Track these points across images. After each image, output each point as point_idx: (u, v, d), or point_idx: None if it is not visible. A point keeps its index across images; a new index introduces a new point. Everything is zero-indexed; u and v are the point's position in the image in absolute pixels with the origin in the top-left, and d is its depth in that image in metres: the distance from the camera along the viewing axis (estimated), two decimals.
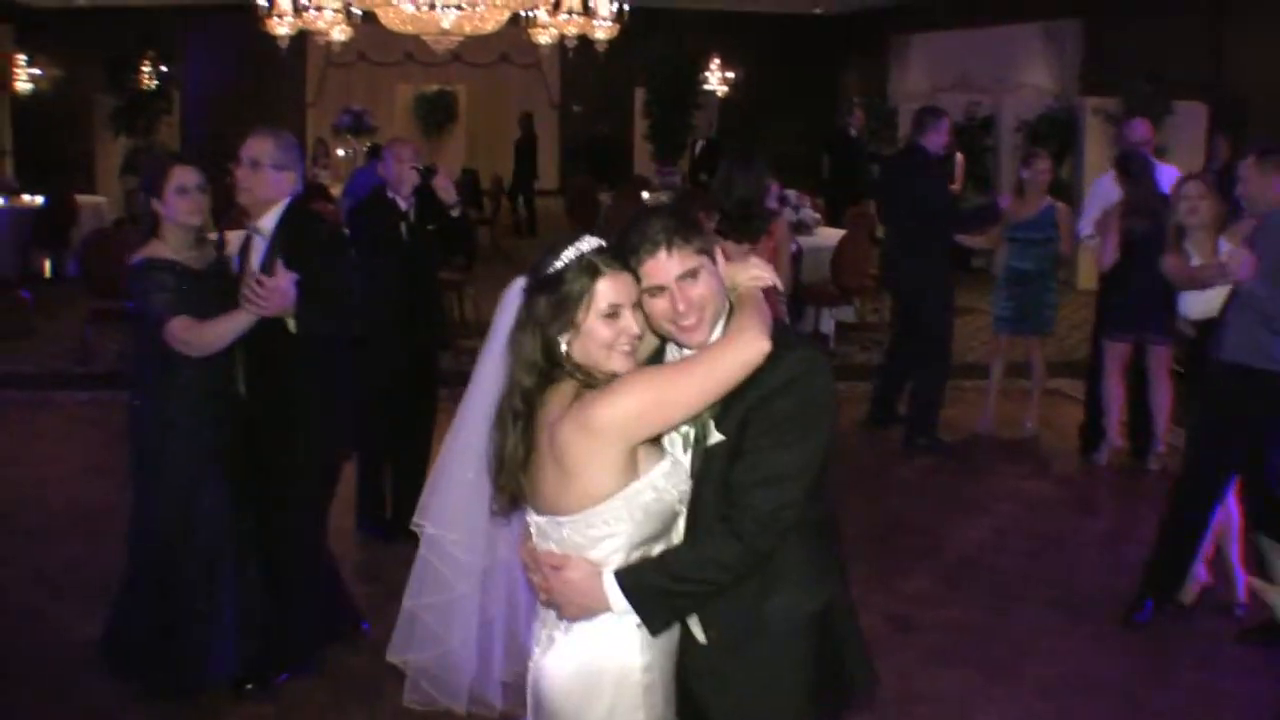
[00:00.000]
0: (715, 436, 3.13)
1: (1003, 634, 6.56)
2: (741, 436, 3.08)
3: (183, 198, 5.36)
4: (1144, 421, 9.30)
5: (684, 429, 3.19)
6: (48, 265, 16.73)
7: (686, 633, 3.28)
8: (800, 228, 12.96)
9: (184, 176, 5.37)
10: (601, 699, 3.15)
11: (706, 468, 3.15)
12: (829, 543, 3.39)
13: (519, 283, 3.26)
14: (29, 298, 13.76)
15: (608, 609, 3.07)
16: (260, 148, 5.49)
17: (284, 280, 5.21)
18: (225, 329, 5.32)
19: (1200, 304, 7.01)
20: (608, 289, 3.07)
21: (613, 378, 3.09)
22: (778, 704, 3.28)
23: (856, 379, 11.31)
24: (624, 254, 3.12)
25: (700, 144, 20.97)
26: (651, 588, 3.08)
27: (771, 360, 3.05)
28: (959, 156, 16.13)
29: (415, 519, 3.69)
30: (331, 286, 5.39)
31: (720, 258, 3.23)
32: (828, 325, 13.24)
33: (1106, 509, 8.86)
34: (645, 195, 17.24)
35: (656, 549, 3.15)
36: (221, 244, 5.72)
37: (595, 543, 3.10)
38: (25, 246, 16.05)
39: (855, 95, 22.75)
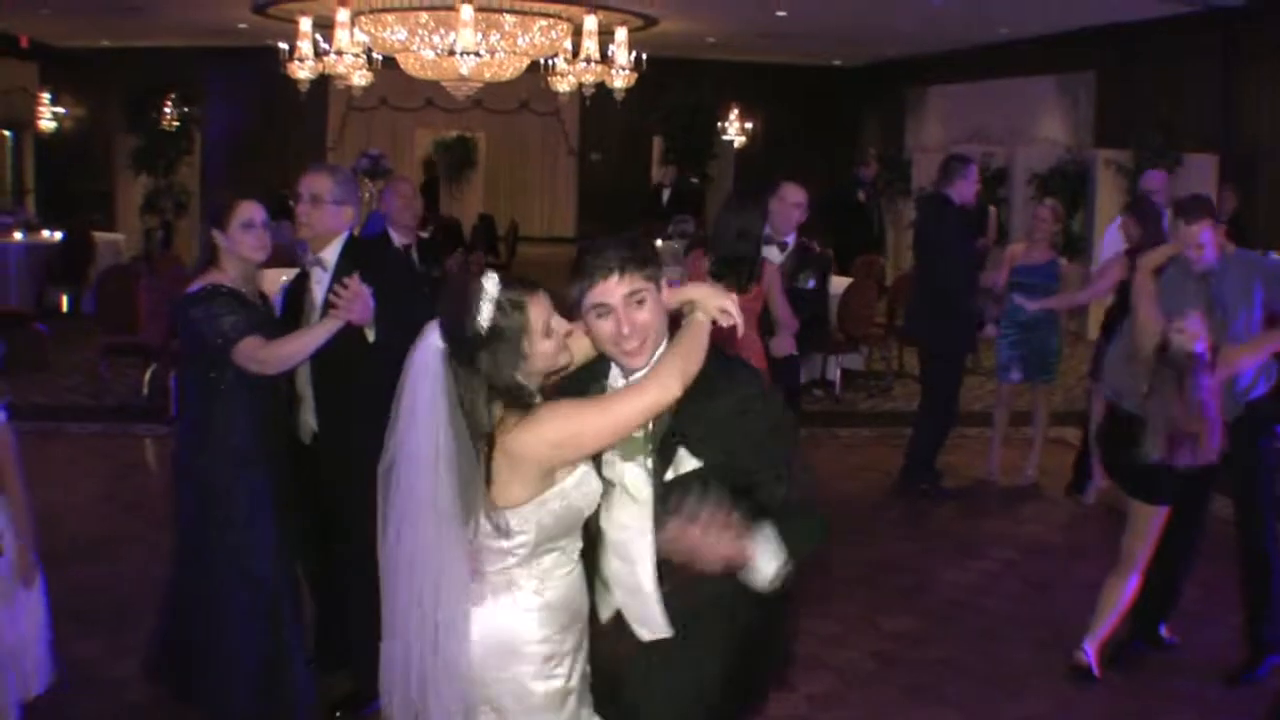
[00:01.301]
0: (687, 464, 3.32)
1: (985, 674, 6.64)
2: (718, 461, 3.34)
3: (249, 232, 5.41)
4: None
5: (638, 458, 3.43)
6: (64, 300, 16.99)
7: (619, 626, 3.56)
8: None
9: (251, 211, 5.42)
10: (504, 667, 3.41)
11: (678, 492, 3.32)
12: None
13: (428, 346, 3.37)
14: (45, 331, 13.97)
15: (748, 559, 3.28)
16: (320, 183, 5.61)
17: (363, 288, 5.21)
18: (306, 341, 5.33)
19: None
20: (536, 314, 3.32)
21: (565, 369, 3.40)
22: (708, 685, 3.53)
23: (860, 425, 11.42)
24: (580, 277, 3.33)
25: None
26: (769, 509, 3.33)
27: (716, 391, 3.34)
28: (992, 210, 16.19)
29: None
30: (403, 302, 5.38)
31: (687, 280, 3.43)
32: (834, 372, 13.35)
33: (1099, 553, 8.89)
34: (659, 242, 17.38)
35: (564, 545, 3.43)
36: (263, 296, 5.77)
37: (513, 533, 3.34)
38: (43, 281, 16.34)
39: (871, 147, 22.91)
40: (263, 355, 5.30)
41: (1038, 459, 10.28)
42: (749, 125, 23.70)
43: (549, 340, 3.34)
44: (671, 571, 3.42)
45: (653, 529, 3.42)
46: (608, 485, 3.48)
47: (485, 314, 3.27)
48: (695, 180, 22.03)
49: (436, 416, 3.34)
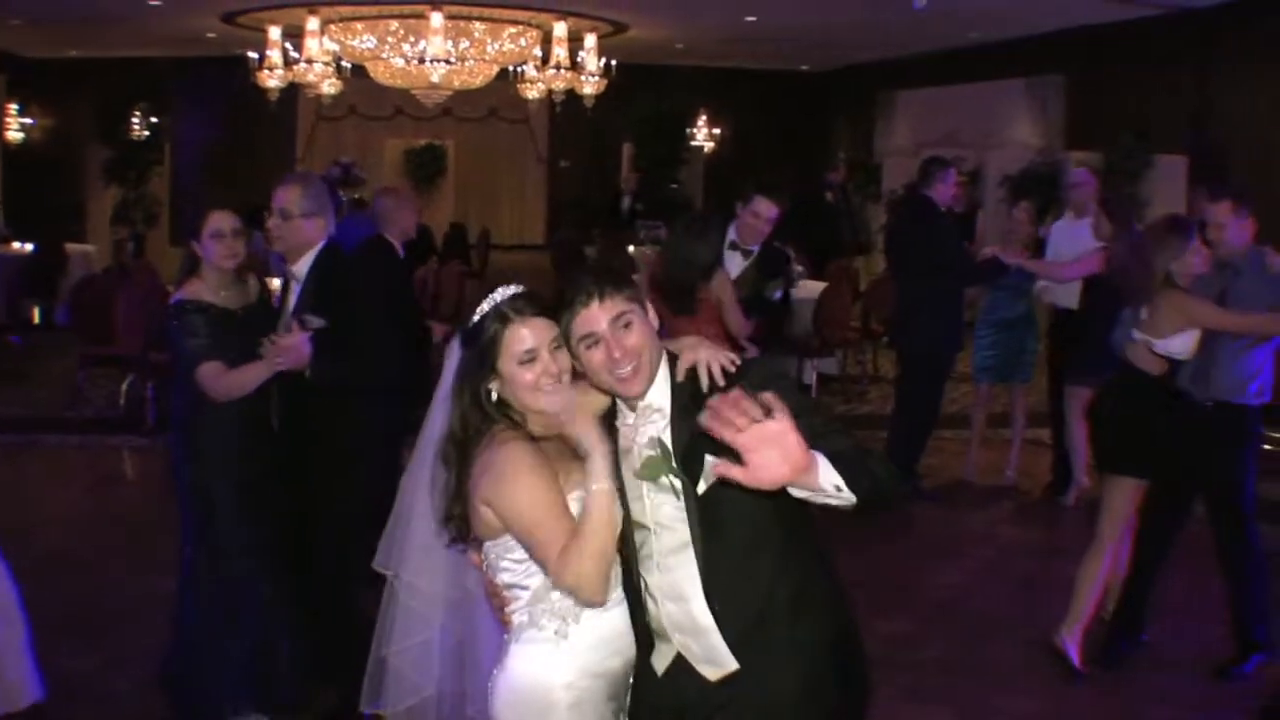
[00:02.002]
0: (707, 480, 3.17)
1: (980, 672, 6.68)
2: None
3: (218, 242, 5.52)
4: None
5: (664, 480, 3.26)
6: (37, 312, 16.84)
7: (683, 671, 3.38)
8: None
9: (219, 221, 5.54)
10: (529, 714, 3.32)
11: (714, 508, 3.20)
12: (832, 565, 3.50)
13: (464, 328, 3.43)
14: (19, 343, 13.88)
15: (808, 465, 2.81)
16: (288, 197, 5.58)
17: (297, 338, 5.32)
18: (246, 379, 5.43)
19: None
20: (519, 335, 3.24)
21: (545, 419, 3.28)
22: (786, 704, 3.34)
23: None
24: (559, 310, 3.26)
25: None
26: (842, 456, 2.94)
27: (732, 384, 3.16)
28: (980, 214, 16.24)
29: (378, 562, 3.80)
30: (348, 338, 5.46)
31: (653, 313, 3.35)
32: (810, 377, 13.36)
33: (1081, 552, 8.92)
34: (630, 249, 17.39)
35: None
36: (263, 284, 5.89)
37: (518, 564, 3.29)
38: (15, 293, 16.21)
39: (841, 151, 22.96)
40: (212, 385, 5.44)
41: (1017, 460, 10.31)
42: (717, 131, 23.71)
43: (525, 370, 3.24)
44: (719, 589, 3.29)
45: (695, 558, 3.29)
46: (640, 530, 3.36)
47: (479, 313, 3.29)
48: (676, 185, 22.00)
49: (444, 401, 3.46)
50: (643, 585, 3.41)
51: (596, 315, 3.20)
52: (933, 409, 10.01)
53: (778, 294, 7.96)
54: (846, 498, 2.89)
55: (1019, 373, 10.07)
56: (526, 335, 3.24)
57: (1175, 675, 6.67)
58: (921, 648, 7.00)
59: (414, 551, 3.70)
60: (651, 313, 3.34)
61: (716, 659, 3.33)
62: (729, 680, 3.33)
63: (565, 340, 3.27)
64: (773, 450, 2.70)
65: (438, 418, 3.49)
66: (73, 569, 7.82)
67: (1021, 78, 18.67)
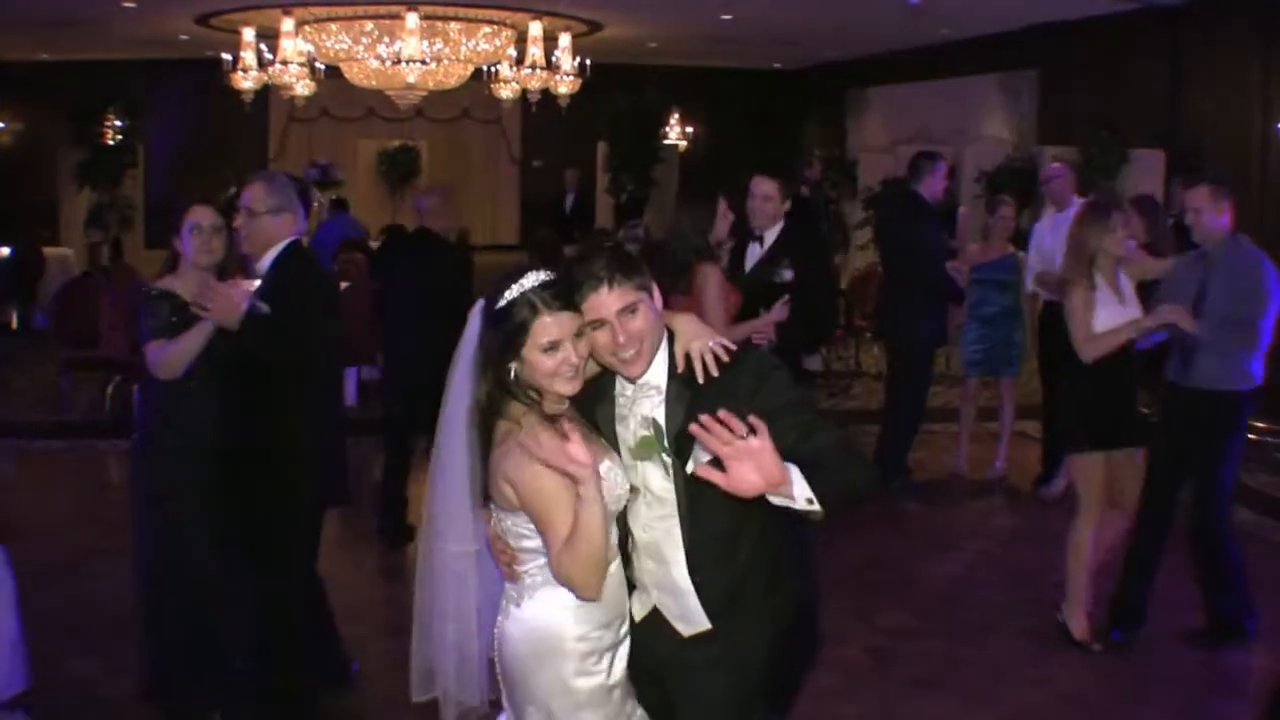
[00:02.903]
0: (705, 456, 3.25)
1: (981, 662, 6.73)
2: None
3: (195, 236, 5.54)
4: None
5: (654, 458, 3.45)
6: (15, 317, 16.78)
7: (657, 623, 3.59)
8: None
9: (198, 216, 5.57)
10: (543, 663, 3.44)
11: (701, 487, 3.28)
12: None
13: (480, 304, 3.51)
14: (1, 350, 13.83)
15: (782, 480, 3.13)
16: (253, 194, 5.52)
17: (236, 290, 5.25)
18: (186, 343, 5.39)
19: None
20: (546, 326, 3.32)
21: (561, 398, 3.40)
22: (752, 671, 3.63)
23: None
24: (569, 289, 3.36)
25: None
26: (818, 464, 3.22)
27: (728, 373, 3.38)
28: (963, 210, 16.26)
29: (429, 541, 3.81)
30: (287, 319, 5.34)
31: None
32: None
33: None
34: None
35: None
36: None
37: (535, 534, 3.37)
38: None
39: (815, 148, 22.99)
40: (156, 359, 5.45)
41: (1006, 452, 10.37)
42: (690, 130, 23.72)
43: (548, 358, 3.33)
44: (702, 564, 3.51)
45: (680, 527, 3.48)
46: (631, 489, 3.51)
47: (507, 296, 3.35)
48: (628, 190, 21.97)
49: (467, 371, 3.52)
50: (628, 536, 3.58)
51: (606, 301, 3.34)
52: (920, 401, 10.05)
53: (787, 274, 7.68)
54: (816, 512, 3.18)
55: (1006, 366, 10.12)
56: (553, 327, 3.32)
57: (1183, 662, 6.73)
58: (923, 639, 7.04)
59: (458, 522, 3.72)
60: (657, 296, 3.48)
61: (691, 619, 3.56)
62: (701, 638, 3.57)
63: None
64: (750, 464, 3.07)
65: (459, 384, 3.56)
66: (68, 574, 7.77)
67: (994, 73, 18.76)
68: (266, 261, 5.54)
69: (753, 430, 3.06)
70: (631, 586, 3.61)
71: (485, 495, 3.45)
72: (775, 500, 3.17)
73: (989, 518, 9.39)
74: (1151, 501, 6.79)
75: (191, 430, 5.51)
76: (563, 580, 3.30)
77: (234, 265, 5.70)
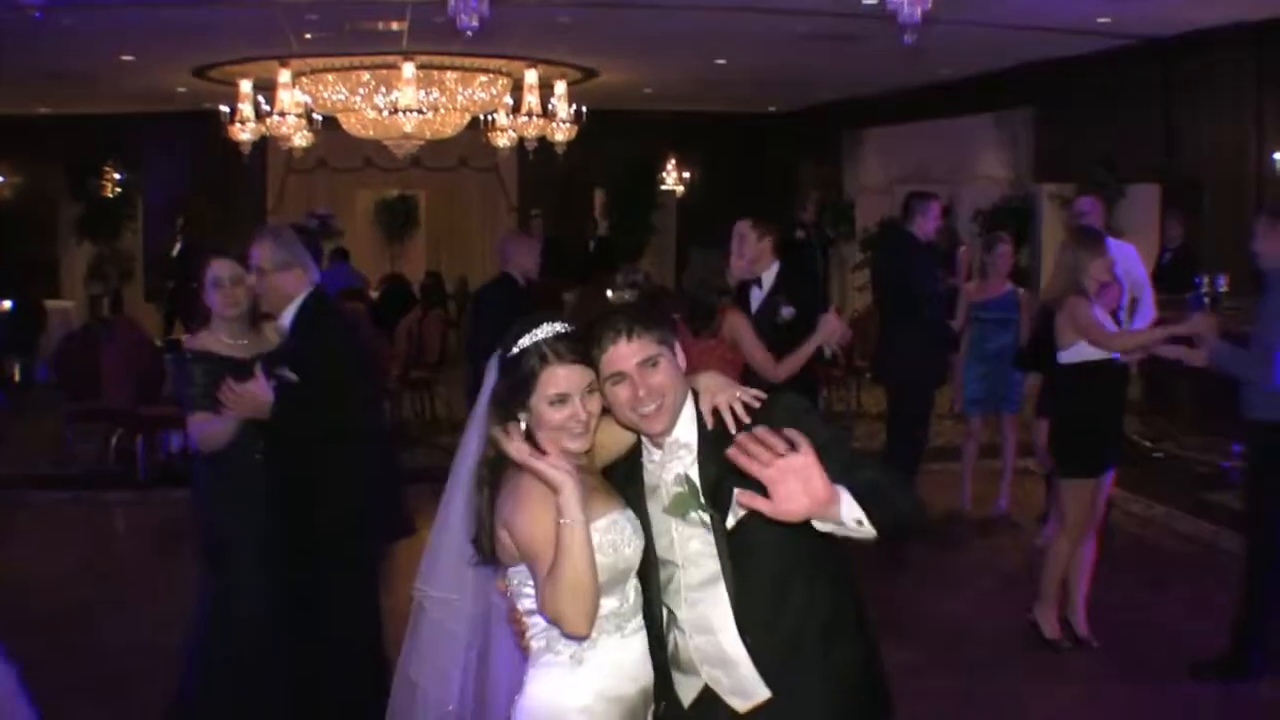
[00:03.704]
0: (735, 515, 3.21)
1: (989, 700, 6.71)
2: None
3: (217, 290, 5.57)
4: None
5: (692, 515, 3.31)
6: (17, 371, 16.77)
7: (710, 703, 3.41)
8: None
9: (218, 269, 5.58)
10: None
11: (743, 541, 3.25)
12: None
13: (498, 354, 3.43)
14: (3, 402, 13.84)
15: (831, 498, 2.96)
16: (260, 253, 5.52)
17: (256, 385, 5.28)
18: (218, 429, 5.42)
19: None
20: (555, 377, 3.25)
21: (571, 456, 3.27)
22: None
23: None
24: (588, 344, 3.29)
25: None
26: (866, 487, 3.06)
27: (760, 420, 3.21)
28: (963, 249, 16.26)
29: (418, 584, 3.82)
30: (317, 388, 5.38)
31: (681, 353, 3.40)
32: None
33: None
34: (610, 293, 17.41)
35: (607, 603, 3.30)
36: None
37: (536, 590, 3.27)
38: None
39: (812, 189, 23.03)
40: (194, 435, 5.53)
41: (1009, 489, 10.36)
42: (687, 175, 23.78)
43: (555, 411, 3.25)
44: (750, 621, 3.33)
45: (724, 585, 3.33)
46: (666, 565, 3.40)
47: (520, 345, 3.29)
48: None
49: (480, 421, 3.46)
50: (665, 618, 3.43)
51: (625, 354, 3.25)
52: (919, 441, 10.05)
53: (786, 311, 7.76)
54: (867, 532, 3.00)
55: (1008, 403, 10.13)
56: (562, 379, 3.25)
57: (1206, 685, 6.73)
58: (931, 677, 6.98)
59: (445, 568, 3.72)
60: (680, 354, 3.38)
61: (746, 690, 3.35)
62: (759, 710, 3.36)
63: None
64: (796, 483, 2.88)
65: (473, 438, 3.51)
66: (74, 627, 7.77)
67: (990, 112, 18.84)
68: (287, 319, 5.55)
69: (792, 445, 2.90)
70: (674, 670, 3.47)
71: (491, 551, 3.37)
72: (822, 526, 3.01)
73: (992, 555, 9.38)
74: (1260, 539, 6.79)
75: (244, 476, 5.51)
76: (550, 616, 3.20)
77: (260, 311, 5.72)
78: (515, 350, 3.30)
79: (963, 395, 10.43)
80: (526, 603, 3.33)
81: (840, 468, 3.06)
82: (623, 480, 3.44)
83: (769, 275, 7.94)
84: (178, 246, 18.64)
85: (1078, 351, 6.94)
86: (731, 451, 2.91)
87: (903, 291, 9.78)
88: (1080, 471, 7.06)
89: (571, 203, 23.90)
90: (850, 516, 2.98)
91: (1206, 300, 7.54)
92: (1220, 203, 14.11)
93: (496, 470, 3.33)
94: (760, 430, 2.92)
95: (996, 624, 7.87)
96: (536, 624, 3.34)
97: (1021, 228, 16.07)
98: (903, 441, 9.95)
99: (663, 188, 23.48)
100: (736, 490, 3.10)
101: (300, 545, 5.47)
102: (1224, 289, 7.66)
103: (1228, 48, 14.11)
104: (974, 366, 10.16)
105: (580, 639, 3.25)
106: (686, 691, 3.45)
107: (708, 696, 3.42)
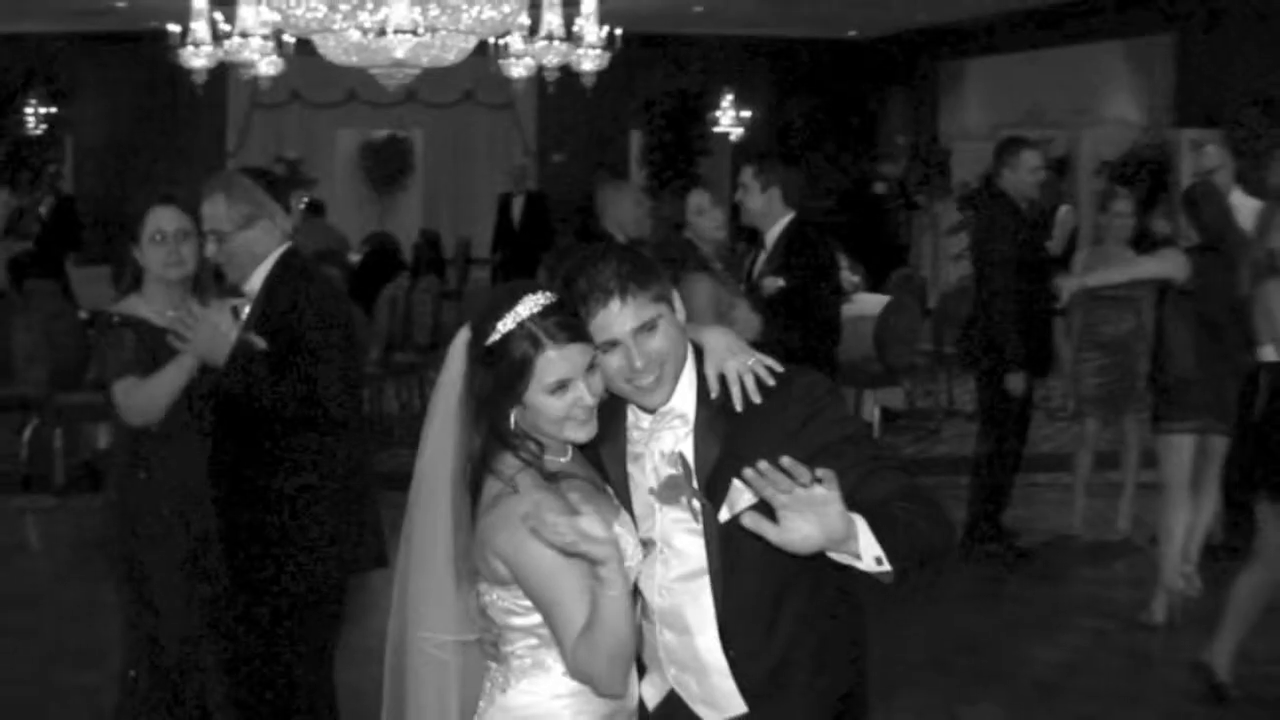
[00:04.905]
0: (744, 500, 3.20)
1: None
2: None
3: (159, 246, 5.41)
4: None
5: (681, 500, 3.38)
6: None
7: (674, 710, 3.54)
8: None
9: (160, 220, 5.42)
10: None
11: (738, 540, 3.25)
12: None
13: (464, 335, 3.39)
14: None
15: (846, 536, 3.00)
16: (214, 213, 5.40)
17: (220, 314, 5.20)
18: (164, 381, 5.28)
19: None
20: (552, 364, 3.22)
21: (565, 448, 3.35)
22: None
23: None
24: (572, 304, 3.26)
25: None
26: (886, 515, 3.11)
27: (772, 399, 3.29)
28: (1063, 209, 16.16)
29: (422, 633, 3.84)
30: (290, 360, 5.26)
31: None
32: (871, 411, 13.31)
33: (1209, 615, 8.93)
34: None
35: None
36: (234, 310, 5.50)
37: (527, 611, 3.31)
38: None
39: (898, 136, 22.96)
40: (125, 401, 5.36)
41: (1130, 508, 10.29)
42: (746, 114, 23.72)
43: (556, 401, 3.25)
44: (737, 635, 3.40)
45: (710, 589, 3.39)
46: (646, 544, 3.44)
47: (501, 328, 3.24)
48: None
49: (450, 419, 3.40)
50: (639, 603, 3.49)
51: (617, 318, 3.23)
52: (1016, 447, 9.97)
53: (769, 282, 7.82)
54: (885, 573, 3.04)
55: (1133, 402, 10.03)
56: (561, 364, 3.22)
57: None
58: None
59: (426, 593, 3.72)
60: (680, 308, 3.38)
61: (719, 703, 3.48)
62: None
63: None
64: (810, 515, 2.93)
65: (436, 437, 3.44)
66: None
67: (1121, 40, 18.73)
68: (256, 282, 5.45)
69: (817, 479, 2.91)
70: (640, 666, 3.55)
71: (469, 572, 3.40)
72: (837, 558, 3.05)
73: (1105, 589, 9.30)
74: None
75: (171, 483, 5.46)
76: (580, 676, 3.23)
77: (210, 277, 5.67)
78: (496, 335, 3.25)
79: (1075, 392, 10.36)
80: (515, 620, 3.35)
81: (860, 473, 3.14)
82: (601, 433, 3.40)
83: (772, 234, 8.03)
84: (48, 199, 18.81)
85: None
86: (749, 474, 2.92)
87: (988, 260, 9.68)
88: (1176, 422, 7.35)
89: (601, 147, 23.90)
90: (869, 554, 3.03)
91: None
92: None
93: (479, 478, 3.33)
94: (787, 460, 2.90)
95: (1102, 675, 7.85)
96: (527, 639, 3.37)
97: (1156, 184, 16.00)
98: (996, 445, 9.88)
99: (715, 129, 23.43)
100: (729, 512, 3.25)
101: (247, 566, 5.40)
102: None
103: None
104: (1091, 357, 10.06)
105: (613, 696, 3.29)
106: (651, 692, 3.58)
107: (674, 702, 3.55)
